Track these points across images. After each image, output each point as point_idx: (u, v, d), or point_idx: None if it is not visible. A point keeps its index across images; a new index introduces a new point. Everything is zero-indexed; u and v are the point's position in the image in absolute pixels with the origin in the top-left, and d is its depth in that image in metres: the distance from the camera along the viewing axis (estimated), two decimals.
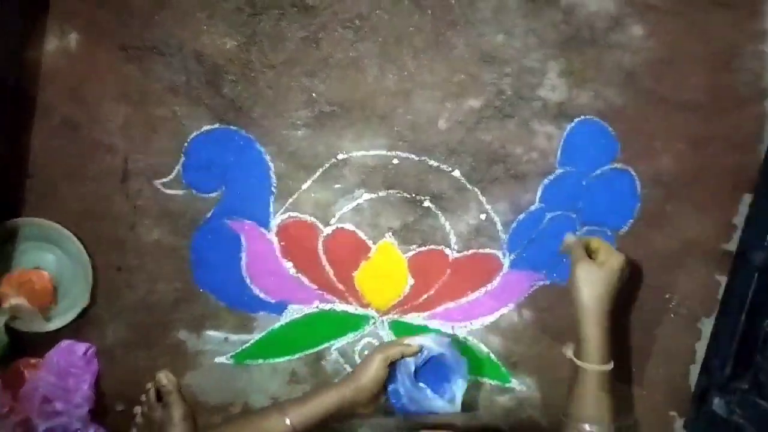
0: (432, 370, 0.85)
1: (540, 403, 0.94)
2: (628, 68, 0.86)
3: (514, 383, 0.93)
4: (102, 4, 0.87)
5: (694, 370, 0.92)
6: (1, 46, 0.78)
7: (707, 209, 0.89)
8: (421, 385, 0.84)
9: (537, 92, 0.87)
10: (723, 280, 0.90)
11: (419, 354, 0.83)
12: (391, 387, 0.83)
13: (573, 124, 0.88)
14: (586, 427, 0.76)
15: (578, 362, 0.78)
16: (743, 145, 0.87)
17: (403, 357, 0.82)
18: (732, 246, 0.89)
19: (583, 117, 0.88)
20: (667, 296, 0.91)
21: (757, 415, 0.77)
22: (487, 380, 0.94)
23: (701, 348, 0.91)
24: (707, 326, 0.91)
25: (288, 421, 0.75)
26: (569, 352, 0.80)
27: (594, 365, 0.77)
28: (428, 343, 0.84)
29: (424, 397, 0.83)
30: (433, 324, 0.92)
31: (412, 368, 0.83)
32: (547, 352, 0.92)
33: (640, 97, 0.87)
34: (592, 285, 0.78)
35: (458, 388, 0.85)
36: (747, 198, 0.88)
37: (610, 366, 0.77)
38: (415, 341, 0.84)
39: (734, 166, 0.87)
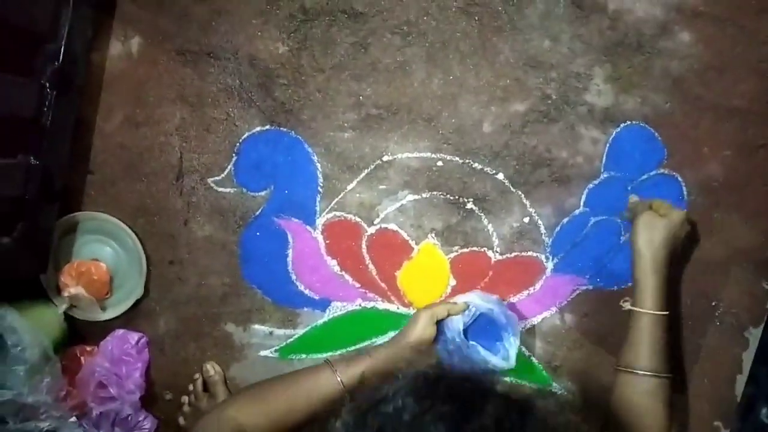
0: (482, 329, 0.84)
1: (581, 408, 0.93)
2: (676, 74, 0.86)
3: (555, 386, 0.93)
4: (163, 11, 0.92)
5: (741, 380, 0.90)
6: (72, 49, 0.82)
7: (755, 217, 0.88)
8: (472, 343, 0.82)
9: (583, 97, 0.88)
10: None
11: (467, 312, 0.82)
12: (439, 346, 0.82)
13: (619, 129, 0.88)
14: (639, 373, 0.75)
15: (633, 308, 0.77)
16: None
17: (449, 315, 0.81)
18: None
19: (629, 122, 0.88)
20: (713, 304, 0.90)
21: None
22: (527, 382, 0.94)
23: (748, 358, 0.90)
24: (755, 336, 0.89)
25: (339, 379, 0.73)
26: (627, 304, 0.79)
27: (648, 310, 0.76)
28: (475, 300, 0.83)
29: (476, 354, 0.81)
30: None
31: (461, 326, 0.81)
32: (588, 357, 0.92)
33: (687, 103, 0.87)
34: (650, 231, 0.78)
35: (511, 345, 0.83)
36: None
37: (665, 313, 0.76)
38: (461, 299, 0.84)
39: None
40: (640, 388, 0.74)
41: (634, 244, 0.79)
